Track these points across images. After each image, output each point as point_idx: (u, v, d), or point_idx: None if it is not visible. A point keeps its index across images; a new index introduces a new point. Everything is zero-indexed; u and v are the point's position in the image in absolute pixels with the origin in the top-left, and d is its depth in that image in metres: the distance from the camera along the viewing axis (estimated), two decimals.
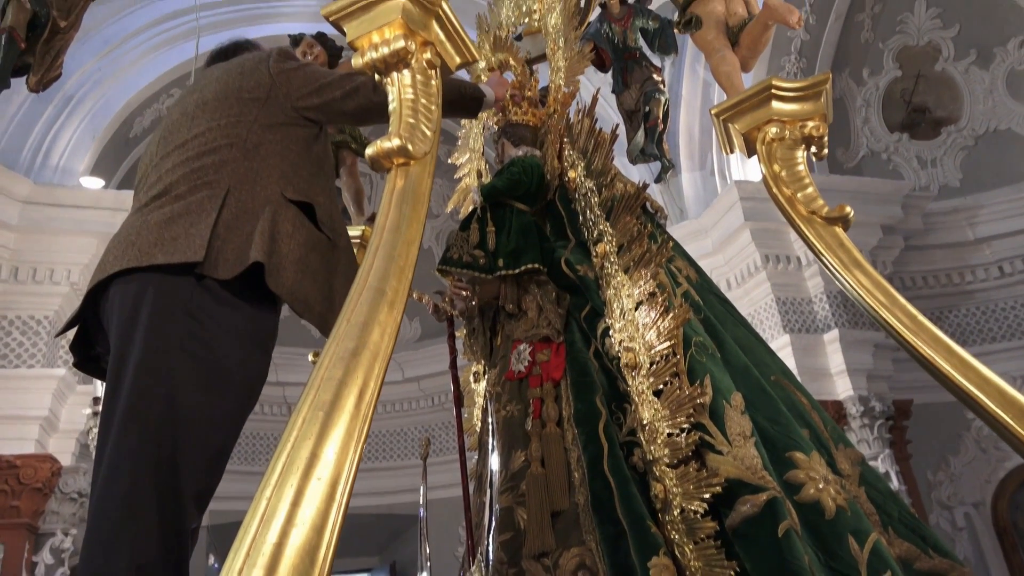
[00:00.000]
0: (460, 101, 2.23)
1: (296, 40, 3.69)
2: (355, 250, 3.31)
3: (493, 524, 2.30)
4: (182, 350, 1.51)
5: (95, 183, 6.27)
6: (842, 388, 6.24)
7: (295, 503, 1.11)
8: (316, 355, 3.56)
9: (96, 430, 5.18)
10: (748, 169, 6.52)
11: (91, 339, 1.76)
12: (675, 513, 1.95)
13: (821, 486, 1.96)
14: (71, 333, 1.78)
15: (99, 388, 5.29)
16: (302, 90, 1.86)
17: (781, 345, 6.12)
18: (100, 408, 5.31)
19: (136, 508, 1.39)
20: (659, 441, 2.04)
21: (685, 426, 2.02)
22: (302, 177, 1.80)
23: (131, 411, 1.46)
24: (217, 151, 1.72)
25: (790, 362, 5.93)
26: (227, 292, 1.58)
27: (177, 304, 1.54)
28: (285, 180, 1.75)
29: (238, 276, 1.58)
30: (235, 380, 1.58)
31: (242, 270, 1.58)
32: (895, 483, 5.86)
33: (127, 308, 1.56)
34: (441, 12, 1.91)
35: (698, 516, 1.92)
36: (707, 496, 1.91)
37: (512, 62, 3.15)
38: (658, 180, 5.95)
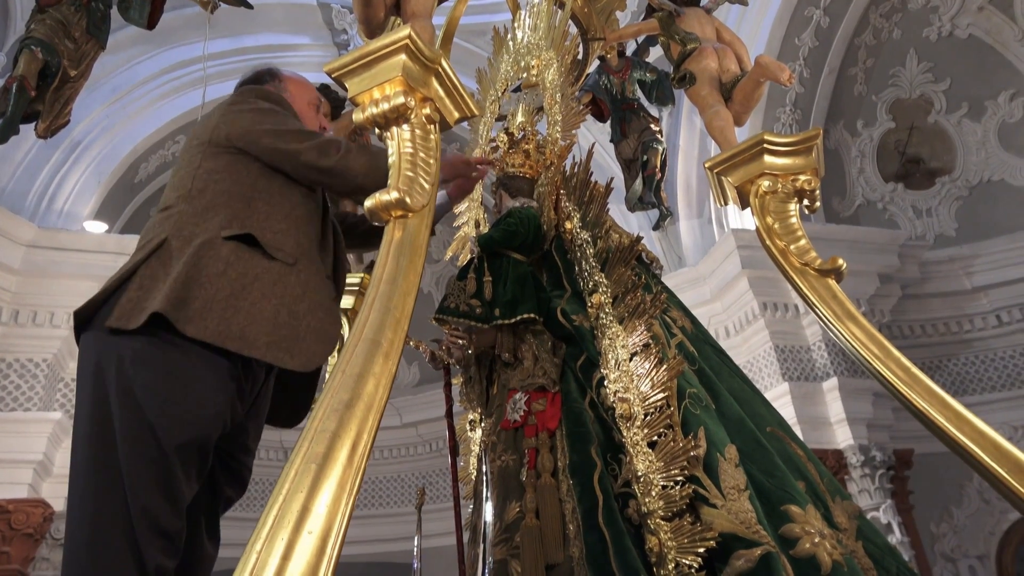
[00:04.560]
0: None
1: None
2: (353, 298, 3.35)
3: None
4: (117, 398, 1.54)
5: (98, 227, 6.34)
6: (842, 437, 6.19)
7: (285, 557, 1.11)
8: None
9: None
10: (745, 218, 6.57)
11: None
12: (670, 567, 1.93)
13: (817, 540, 1.94)
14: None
15: None
16: (241, 129, 1.81)
17: (780, 393, 6.10)
18: None
19: (101, 549, 1.45)
20: (654, 493, 2.03)
21: (679, 479, 2.01)
22: (258, 208, 1.74)
23: (79, 464, 1.56)
24: (167, 208, 1.75)
25: (789, 410, 5.90)
26: (171, 336, 1.56)
27: (111, 355, 1.57)
28: (231, 215, 1.71)
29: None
30: (155, 428, 1.53)
31: (143, 322, 1.54)
32: (897, 535, 5.78)
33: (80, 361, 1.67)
34: (441, 70, 1.97)
35: (693, 570, 1.91)
36: (701, 550, 1.90)
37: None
38: (656, 228, 6.03)
